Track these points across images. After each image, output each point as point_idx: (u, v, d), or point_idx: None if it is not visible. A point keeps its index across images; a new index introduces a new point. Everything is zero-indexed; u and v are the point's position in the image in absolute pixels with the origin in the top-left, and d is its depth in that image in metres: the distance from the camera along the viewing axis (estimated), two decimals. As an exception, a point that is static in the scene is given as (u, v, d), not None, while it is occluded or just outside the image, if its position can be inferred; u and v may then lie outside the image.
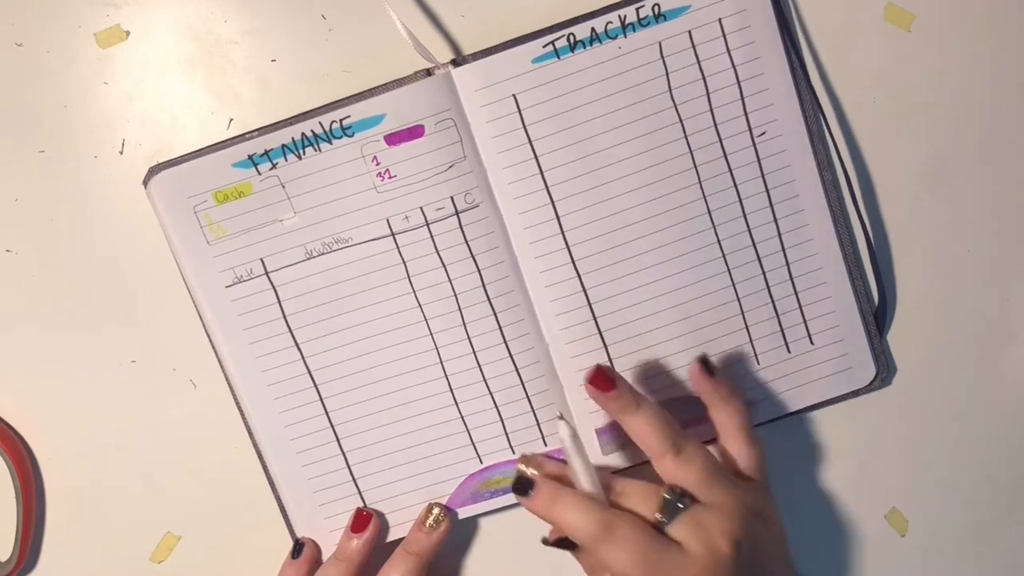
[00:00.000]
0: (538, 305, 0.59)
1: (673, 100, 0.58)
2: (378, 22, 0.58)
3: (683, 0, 0.57)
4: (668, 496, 0.53)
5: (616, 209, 0.58)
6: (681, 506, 0.52)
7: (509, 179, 0.58)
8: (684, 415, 0.60)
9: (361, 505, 0.60)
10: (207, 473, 0.62)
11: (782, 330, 0.60)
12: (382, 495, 0.61)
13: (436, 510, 0.60)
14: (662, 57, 0.58)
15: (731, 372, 0.60)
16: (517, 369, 0.59)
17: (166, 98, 0.59)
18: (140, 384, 0.61)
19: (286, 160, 0.57)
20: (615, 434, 0.60)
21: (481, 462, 0.60)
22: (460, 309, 0.59)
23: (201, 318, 0.59)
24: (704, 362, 0.56)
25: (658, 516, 0.52)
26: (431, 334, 0.59)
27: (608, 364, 0.60)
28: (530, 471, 0.57)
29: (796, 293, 0.60)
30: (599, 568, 0.54)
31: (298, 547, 0.60)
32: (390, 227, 0.58)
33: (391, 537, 0.61)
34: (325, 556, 0.61)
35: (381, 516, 0.61)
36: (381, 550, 0.60)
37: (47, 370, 0.61)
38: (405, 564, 0.59)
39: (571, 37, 0.57)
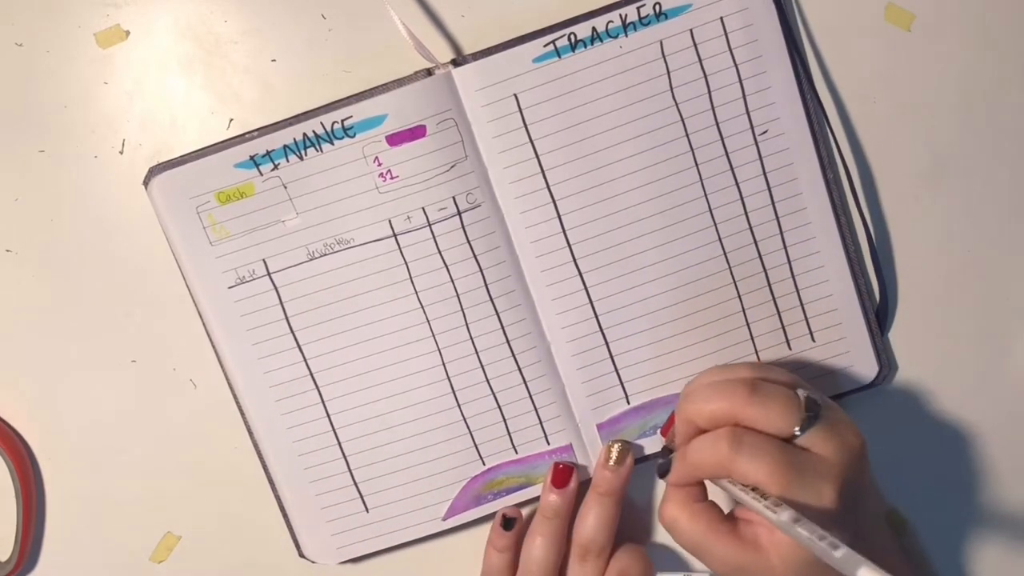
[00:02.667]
0: (540, 305, 0.59)
1: (674, 99, 0.58)
2: (378, 22, 0.58)
3: (684, -1, 0.57)
4: (806, 411, 0.51)
5: (617, 208, 0.58)
6: (814, 414, 0.51)
7: (510, 179, 0.58)
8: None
9: (362, 507, 0.60)
10: (207, 473, 0.62)
11: (784, 328, 0.60)
12: (384, 499, 0.60)
13: (616, 446, 0.60)
14: (663, 56, 0.58)
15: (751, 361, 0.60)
16: (519, 369, 0.59)
17: (166, 98, 0.59)
18: (140, 384, 0.61)
19: (288, 161, 0.57)
20: (615, 428, 0.60)
21: (484, 464, 0.60)
22: (462, 309, 0.59)
23: (202, 318, 0.59)
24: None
25: (795, 431, 0.50)
26: (433, 335, 0.59)
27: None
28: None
29: (798, 291, 0.60)
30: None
31: (509, 520, 0.60)
32: (392, 228, 0.58)
33: (396, 541, 0.61)
34: (322, 556, 0.61)
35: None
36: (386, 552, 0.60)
37: (47, 370, 0.61)
38: (600, 506, 0.59)
39: (572, 36, 0.57)
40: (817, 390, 0.54)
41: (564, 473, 0.60)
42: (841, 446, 0.50)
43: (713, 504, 0.54)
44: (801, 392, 0.51)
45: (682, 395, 0.55)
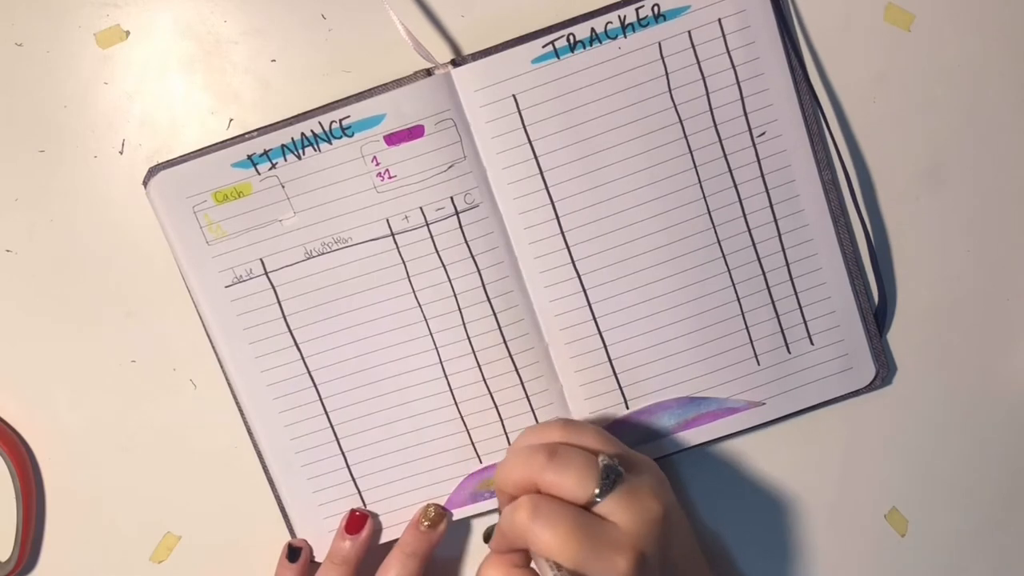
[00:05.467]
0: (538, 305, 0.59)
1: (673, 100, 0.58)
2: (378, 22, 0.58)
3: (683, 0, 0.57)
4: (603, 478, 0.49)
5: (616, 209, 0.58)
6: (612, 481, 0.49)
7: (509, 179, 0.58)
8: (685, 415, 0.60)
9: (360, 505, 0.61)
10: (207, 473, 0.62)
11: (782, 330, 0.60)
12: (381, 495, 0.61)
13: (432, 510, 0.60)
14: (662, 57, 0.58)
15: (731, 372, 0.60)
16: (516, 369, 0.59)
17: (166, 98, 0.59)
18: (140, 384, 0.61)
19: (286, 160, 0.57)
20: (616, 433, 0.60)
21: (480, 462, 0.60)
22: (460, 309, 0.59)
23: (201, 318, 0.59)
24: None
25: (592, 498, 0.49)
26: (431, 334, 0.59)
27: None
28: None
29: (796, 293, 0.60)
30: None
31: (295, 551, 0.60)
32: (390, 227, 0.58)
33: (392, 537, 0.61)
34: (320, 556, 0.61)
35: (375, 517, 0.61)
36: (380, 550, 0.60)
37: (47, 370, 0.61)
38: (402, 566, 0.59)
39: (571, 37, 0.57)
40: (628, 450, 0.53)
41: (358, 520, 0.60)
42: (640, 513, 0.49)
43: (532, 572, 0.52)
44: (602, 458, 0.50)
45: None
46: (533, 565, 0.51)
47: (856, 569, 0.64)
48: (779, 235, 0.59)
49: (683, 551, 0.52)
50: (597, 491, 0.49)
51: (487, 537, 0.54)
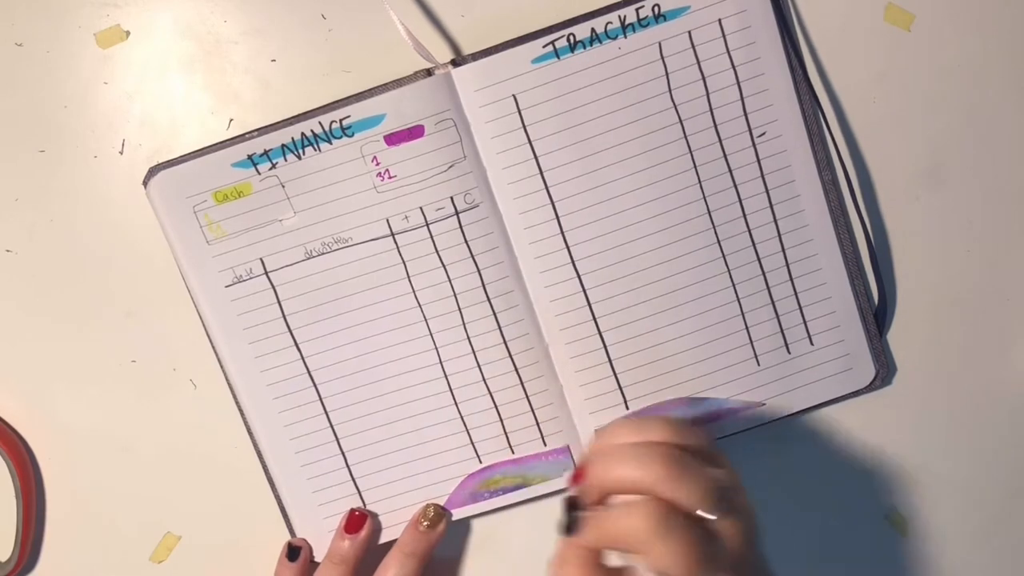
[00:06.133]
0: (538, 305, 0.59)
1: (673, 100, 0.58)
2: (378, 22, 0.58)
3: (683, 0, 0.57)
4: (720, 499, 0.48)
5: (616, 209, 0.58)
6: (728, 500, 0.48)
7: (509, 179, 0.58)
8: (684, 415, 0.60)
9: (360, 505, 0.61)
10: (207, 473, 0.62)
11: (782, 330, 0.60)
12: (381, 494, 0.61)
13: (431, 510, 0.60)
14: (662, 57, 0.58)
15: (731, 372, 0.60)
16: (516, 369, 0.59)
17: (166, 98, 0.59)
18: (140, 384, 0.61)
19: (286, 160, 0.57)
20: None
21: (481, 462, 0.60)
22: (460, 309, 0.59)
23: (201, 318, 0.59)
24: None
25: (712, 513, 0.48)
26: (431, 334, 0.59)
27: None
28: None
29: (796, 293, 0.60)
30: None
31: (294, 550, 0.60)
32: (390, 227, 0.58)
33: (392, 537, 0.61)
34: (320, 555, 0.61)
35: (375, 516, 0.61)
36: (379, 550, 0.60)
37: (47, 370, 0.61)
38: (400, 566, 0.59)
39: (571, 37, 0.57)
40: (722, 456, 0.51)
41: (357, 520, 0.60)
42: (745, 534, 0.49)
43: (611, 571, 0.51)
44: (716, 472, 0.49)
45: (593, 450, 0.51)
46: (616, 561, 0.50)
47: (856, 569, 0.64)
48: (779, 235, 0.59)
49: (762, 568, 0.52)
50: (716, 513, 0.48)
51: (568, 527, 0.52)
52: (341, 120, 0.57)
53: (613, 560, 0.50)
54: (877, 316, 0.61)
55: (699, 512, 0.48)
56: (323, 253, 0.58)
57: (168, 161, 0.57)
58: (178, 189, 0.57)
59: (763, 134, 0.58)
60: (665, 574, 0.47)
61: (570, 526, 0.51)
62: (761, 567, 0.51)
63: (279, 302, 0.59)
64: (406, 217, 0.58)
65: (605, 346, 0.60)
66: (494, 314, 0.59)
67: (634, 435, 0.51)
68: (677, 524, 0.47)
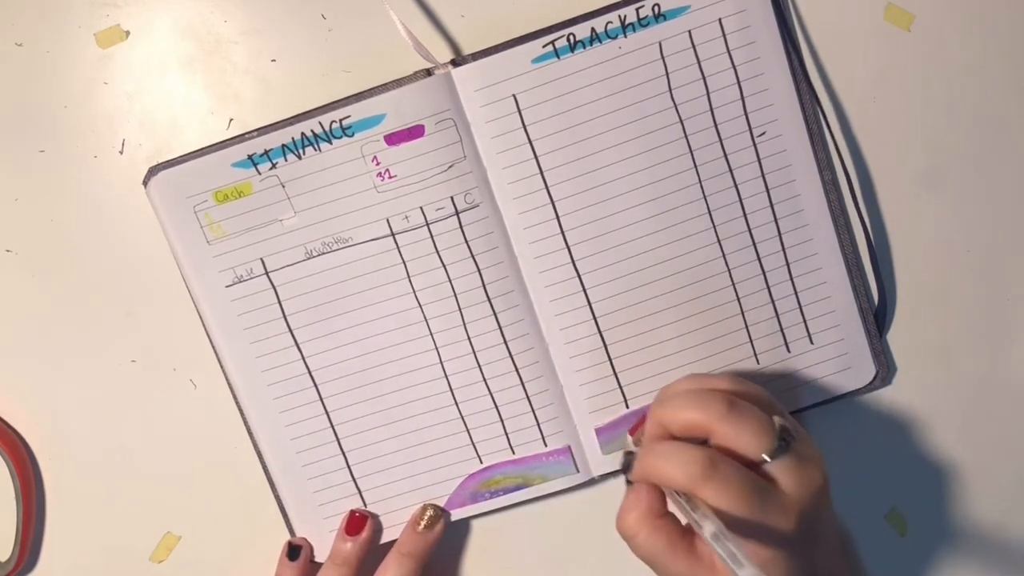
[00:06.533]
0: (538, 305, 0.59)
1: (673, 100, 0.58)
2: (378, 22, 0.58)
3: (683, 0, 0.57)
4: (779, 441, 0.49)
5: (616, 209, 0.58)
6: (786, 443, 0.49)
7: (509, 179, 0.58)
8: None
9: (361, 505, 0.61)
10: (207, 473, 0.62)
11: (782, 330, 0.60)
12: (382, 495, 0.61)
13: (430, 510, 0.60)
14: (662, 57, 0.58)
15: (731, 372, 0.60)
16: (517, 369, 0.59)
17: (166, 98, 0.59)
18: (140, 384, 0.61)
19: (286, 160, 0.57)
20: (614, 433, 0.60)
21: (481, 462, 0.60)
22: (460, 309, 0.59)
23: (201, 318, 0.59)
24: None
25: (765, 456, 0.49)
26: (431, 334, 0.59)
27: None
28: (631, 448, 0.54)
29: (796, 293, 0.60)
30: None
31: (295, 549, 0.60)
32: (390, 227, 0.58)
33: (393, 537, 0.61)
34: (320, 556, 0.61)
35: (376, 517, 0.61)
36: (380, 550, 0.60)
37: (47, 370, 0.61)
38: (399, 566, 0.59)
39: (571, 37, 0.57)
40: (792, 418, 0.53)
41: (358, 521, 0.60)
42: (805, 482, 0.49)
43: (674, 519, 0.52)
44: (777, 419, 0.50)
45: (657, 398, 0.53)
46: (672, 508, 0.51)
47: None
48: (779, 235, 0.59)
49: (831, 535, 0.52)
50: (771, 451, 0.49)
51: (626, 468, 0.53)
52: (341, 120, 0.57)
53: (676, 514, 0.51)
54: (877, 316, 0.61)
55: (750, 455, 0.49)
56: (323, 253, 0.58)
57: (168, 161, 0.57)
58: (179, 189, 0.57)
59: (763, 134, 0.58)
60: (718, 514, 0.48)
61: (626, 468, 0.52)
62: (826, 521, 0.52)
63: (279, 302, 0.59)
64: (406, 217, 0.58)
65: (605, 346, 0.60)
66: (494, 314, 0.59)
67: (697, 384, 0.53)
68: (727, 473, 0.48)
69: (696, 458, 0.48)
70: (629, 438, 0.57)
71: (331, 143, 0.57)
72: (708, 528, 0.47)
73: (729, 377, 0.53)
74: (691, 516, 0.48)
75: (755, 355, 0.60)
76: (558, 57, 0.57)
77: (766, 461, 0.49)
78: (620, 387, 0.60)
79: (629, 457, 0.53)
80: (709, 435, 0.50)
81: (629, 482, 0.53)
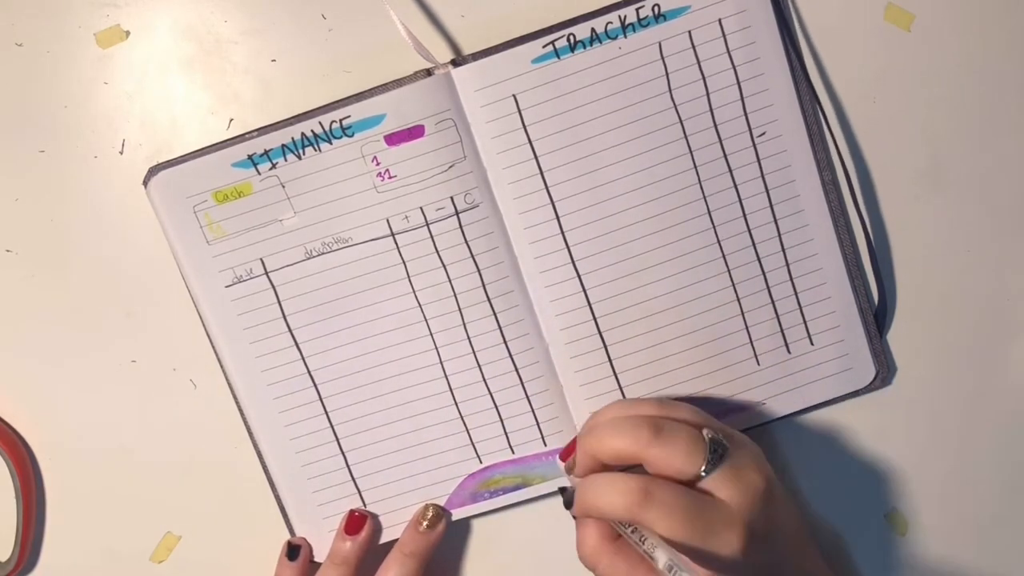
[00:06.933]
0: (538, 305, 0.59)
1: (673, 100, 0.58)
2: (378, 22, 0.58)
3: (683, 0, 0.57)
4: (710, 452, 0.50)
5: (616, 209, 0.58)
6: (719, 455, 0.50)
7: (509, 179, 0.58)
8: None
9: (360, 505, 0.61)
10: (207, 473, 0.62)
11: (782, 330, 0.60)
12: (381, 495, 0.61)
13: (432, 510, 0.60)
14: (662, 57, 0.58)
15: (731, 372, 0.60)
16: (517, 369, 0.59)
17: (166, 98, 0.59)
18: (140, 384, 0.61)
19: (286, 160, 0.57)
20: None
21: (481, 462, 0.60)
22: (460, 309, 0.59)
23: (201, 318, 0.59)
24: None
25: (700, 473, 0.50)
26: (431, 334, 0.59)
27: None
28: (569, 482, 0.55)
29: (796, 293, 0.60)
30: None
31: (294, 549, 0.60)
32: (390, 227, 0.58)
33: (392, 537, 0.61)
34: (320, 556, 0.61)
35: (375, 517, 0.61)
36: (380, 550, 0.60)
37: (47, 370, 0.61)
38: (401, 566, 0.59)
39: (571, 37, 0.57)
40: (725, 426, 0.53)
41: (357, 521, 0.60)
42: (745, 488, 0.50)
43: (629, 547, 0.53)
44: (706, 432, 0.51)
45: (585, 427, 0.54)
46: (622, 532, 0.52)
47: (856, 569, 0.63)
48: (779, 235, 0.59)
49: (788, 525, 0.53)
50: (704, 467, 0.49)
51: (568, 503, 0.54)
52: (341, 120, 0.57)
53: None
54: (877, 316, 0.61)
55: (684, 475, 0.50)
56: (323, 253, 0.58)
57: (168, 161, 0.57)
58: (179, 189, 0.57)
59: (763, 134, 0.58)
60: (664, 537, 0.48)
61: (568, 503, 0.53)
62: (780, 516, 0.52)
63: (279, 302, 0.59)
64: (406, 217, 0.58)
65: (605, 346, 0.60)
66: (494, 314, 0.59)
67: (622, 411, 0.53)
68: (664, 496, 0.49)
69: (630, 487, 0.49)
70: (561, 464, 0.58)
71: (331, 143, 0.57)
72: (661, 560, 0.49)
73: (655, 401, 0.54)
74: (641, 549, 0.48)
75: (755, 355, 0.60)
76: (558, 57, 0.57)
77: (702, 477, 0.50)
78: (620, 387, 0.60)
79: (567, 492, 0.53)
80: (641, 462, 0.51)
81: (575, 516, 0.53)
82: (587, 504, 0.51)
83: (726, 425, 0.54)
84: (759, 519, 0.50)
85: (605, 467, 0.53)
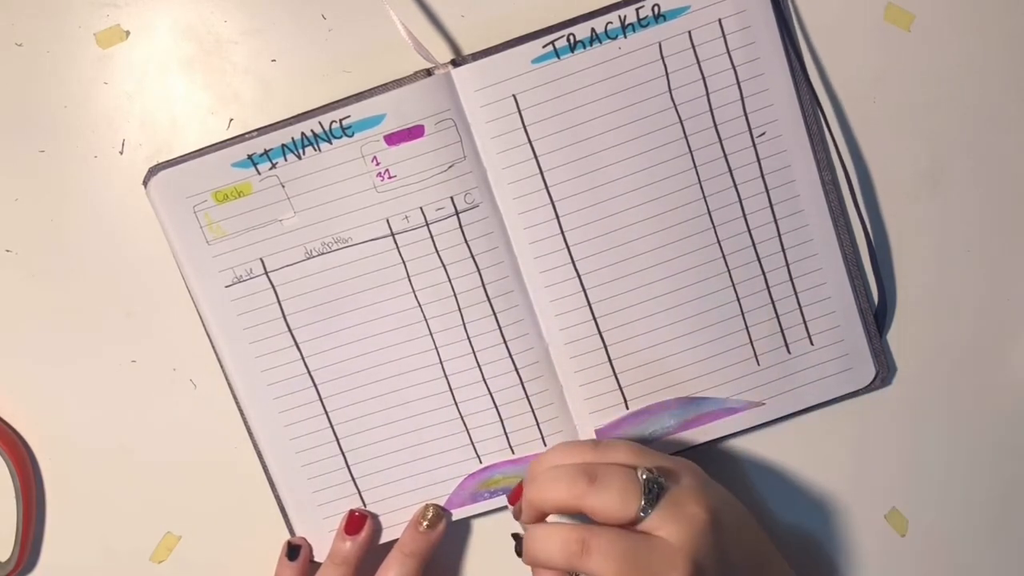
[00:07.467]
0: (538, 305, 0.59)
1: (673, 100, 0.58)
2: (378, 22, 0.58)
3: (683, 0, 0.57)
4: (646, 493, 0.50)
5: (616, 209, 0.58)
6: (656, 495, 0.50)
7: (509, 179, 0.58)
8: (685, 415, 0.60)
9: (360, 505, 0.61)
10: (207, 473, 0.62)
11: (782, 330, 0.60)
12: (381, 495, 0.61)
13: (431, 510, 0.60)
14: (662, 57, 0.58)
15: (731, 372, 0.60)
16: (516, 369, 0.59)
17: (166, 98, 0.59)
18: (140, 384, 0.61)
19: (286, 160, 0.57)
20: (614, 434, 0.60)
21: (480, 462, 0.60)
22: (460, 309, 0.59)
23: (201, 318, 0.59)
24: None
25: (638, 515, 0.50)
26: (431, 334, 0.59)
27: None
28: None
29: (796, 293, 0.60)
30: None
31: (294, 549, 0.60)
32: (390, 227, 0.58)
33: (392, 537, 0.61)
34: (320, 556, 0.61)
35: (375, 517, 0.61)
36: (380, 550, 0.60)
37: (47, 370, 0.61)
38: (401, 566, 0.59)
39: (571, 37, 0.57)
40: (664, 459, 0.53)
41: (357, 521, 0.60)
42: (687, 523, 0.50)
43: None
44: (641, 472, 0.51)
45: (528, 473, 0.54)
46: None
47: (856, 569, 0.64)
48: (779, 235, 0.59)
49: (745, 548, 0.53)
50: (641, 508, 0.50)
51: (519, 551, 0.54)
52: (341, 120, 0.57)
53: None
54: (877, 316, 0.61)
55: (623, 519, 0.50)
56: (323, 253, 0.58)
57: (168, 161, 0.57)
58: (179, 189, 0.57)
59: (763, 134, 0.58)
60: None
61: (519, 551, 0.54)
62: (729, 546, 0.52)
63: (279, 302, 0.59)
64: (406, 217, 0.58)
65: (605, 346, 0.60)
66: (494, 314, 0.59)
67: (560, 459, 0.54)
68: (603, 542, 0.49)
69: (567, 538, 0.50)
70: (511, 508, 0.59)
71: (331, 143, 0.57)
72: None
73: (590, 444, 0.54)
74: None
75: (755, 356, 0.60)
76: (558, 57, 0.57)
77: (641, 518, 0.50)
78: (620, 387, 0.60)
79: (519, 539, 0.54)
80: (580, 511, 0.51)
81: None
82: (531, 556, 0.52)
83: (666, 456, 0.54)
84: (706, 552, 0.50)
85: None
